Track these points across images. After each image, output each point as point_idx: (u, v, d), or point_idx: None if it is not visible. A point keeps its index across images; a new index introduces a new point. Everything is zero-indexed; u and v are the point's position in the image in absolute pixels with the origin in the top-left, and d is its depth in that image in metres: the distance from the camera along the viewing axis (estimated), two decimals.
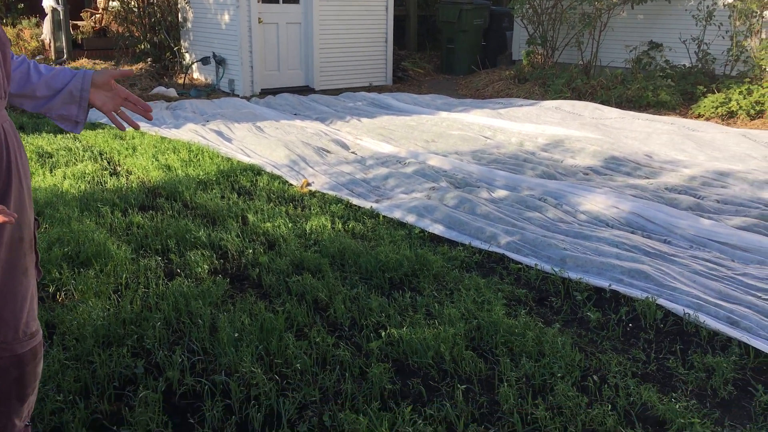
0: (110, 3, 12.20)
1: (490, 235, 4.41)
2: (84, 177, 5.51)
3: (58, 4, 11.64)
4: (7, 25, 12.44)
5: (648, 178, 5.79)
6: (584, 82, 10.25)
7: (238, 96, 10.15)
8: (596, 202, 4.92)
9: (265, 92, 10.38)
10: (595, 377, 2.79)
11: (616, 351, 3.07)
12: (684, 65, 10.23)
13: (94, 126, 7.63)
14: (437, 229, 4.60)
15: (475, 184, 5.58)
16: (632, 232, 4.48)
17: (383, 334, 3.08)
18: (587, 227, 4.56)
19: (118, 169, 5.91)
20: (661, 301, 3.42)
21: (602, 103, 9.53)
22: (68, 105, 1.87)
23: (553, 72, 10.88)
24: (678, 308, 3.35)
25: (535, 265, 3.96)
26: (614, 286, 3.65)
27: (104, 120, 7.85)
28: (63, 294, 3.47)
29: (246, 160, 6.29)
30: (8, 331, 1.86)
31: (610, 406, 2.60)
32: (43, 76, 1.88)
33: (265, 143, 6.86)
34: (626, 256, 3.97)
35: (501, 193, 5.28)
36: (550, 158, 6.47)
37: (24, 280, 1.89)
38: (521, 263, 4.04)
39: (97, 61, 11.88)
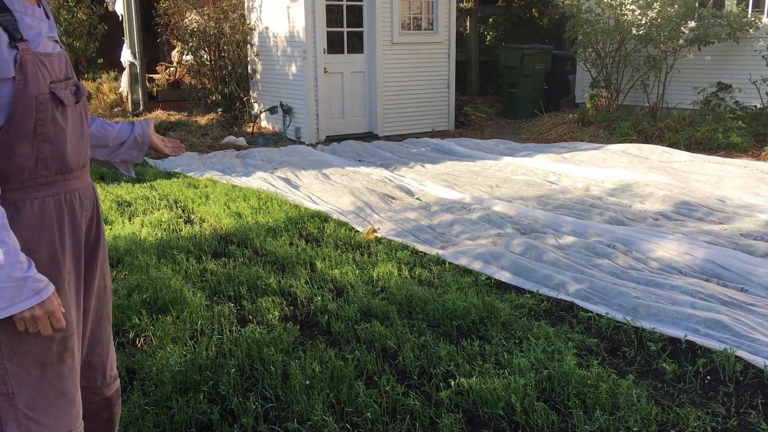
0: (184, 57, 12.76)
1: (559, 282, 4.37)
2: (161, 225, 5.73)
3: (135, 58, 12.27)
4: (88, 80, 13.16)
5: (721, 223, 5.64)
6: (651, 124, 10.08)
7: (304, 143, 10.40)
8: (668, 249, 4.81)
9: (330, 139, 10.61)
10: None
11: (694, 405, 2.97)
12: (755, 106, 9.98)
13: (169, 175, 7.95)
14: (504, 276, 4.59)
15: (541, 231, 5.54)
16: (707, 280, 4.35)
17: (452, 383, 3.07)
18: (659, 275, 4.46)
19: (192, 216, 6.13)
20: (740, 353, 3.30)
21: (670, 145, 9.35)
22: (131, 150, 2.18)
23: (618, 115, 10.76)
24: (758, 360, 3.23)
25: (606, 313, 3.89)
26: (690, 337, 3.55)
27: (179, 169, 8.19)
28: (142, 339, 3.60)
29: (313, 206, 6.43)
30: (97, 376, 2.03)
31: None
32: (113, 128, 2.17)
33: (331, 190, 7.00)
34: (701, 305, 3.87)
35: (568, 239, 5.23)
36: (617, 203, 6.39)
37: (107, 327, 2.07)
38: (591, 311, 3.98)
39: (171, 112, 12.37)
